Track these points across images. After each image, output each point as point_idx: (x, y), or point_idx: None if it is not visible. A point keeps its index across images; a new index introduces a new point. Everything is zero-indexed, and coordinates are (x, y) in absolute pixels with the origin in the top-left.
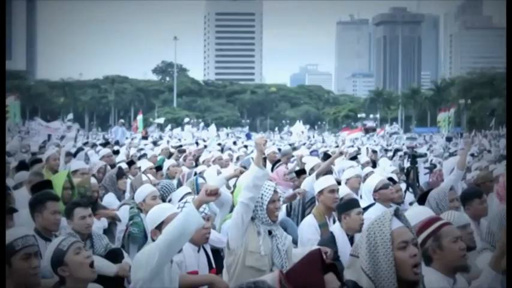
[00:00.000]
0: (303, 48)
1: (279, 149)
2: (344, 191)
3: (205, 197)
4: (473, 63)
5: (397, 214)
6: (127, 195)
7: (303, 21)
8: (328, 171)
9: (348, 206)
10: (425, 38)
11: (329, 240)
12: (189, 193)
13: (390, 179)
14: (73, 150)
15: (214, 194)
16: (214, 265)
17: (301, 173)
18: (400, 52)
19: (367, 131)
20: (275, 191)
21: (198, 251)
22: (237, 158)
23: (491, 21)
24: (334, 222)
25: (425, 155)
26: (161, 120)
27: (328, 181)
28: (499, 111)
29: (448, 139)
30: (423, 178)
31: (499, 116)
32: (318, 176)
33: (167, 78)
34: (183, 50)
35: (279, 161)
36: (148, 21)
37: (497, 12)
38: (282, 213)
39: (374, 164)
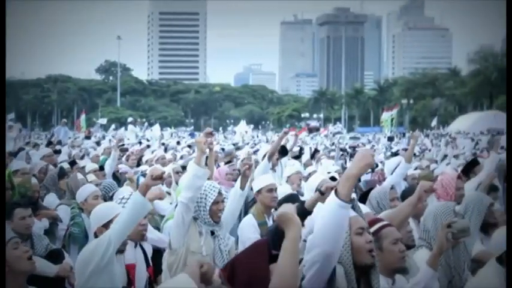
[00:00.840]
0: (247, 47)
1: (222, 149)
2: (285, 189)
3: (151, 181)
4: (415, 63)
5: (352, 205)
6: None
7: (247, 21)
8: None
9: (288, 201)
10: (368, 38)
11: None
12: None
13: (332, 178)
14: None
15: (159, 178)
16: (151, 263)
17: None
18: (344, 52)
19: (310, 130)
20: (219, 193)
21: (135, 247)
22: (181, 157)
23: (433, 22)
24: (273, 221)
25: None
26: (104, 121)
27: (266, 180)
28: (441, 111)
29: (390, 139)
30: (365, 177)
31: (441, 115)
32: (269, 158)
33: (110, 78)
34: (126, 49)
35: (230, 162)
36: (92, 21)
37: (439, 13)
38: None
39: (313, 155)
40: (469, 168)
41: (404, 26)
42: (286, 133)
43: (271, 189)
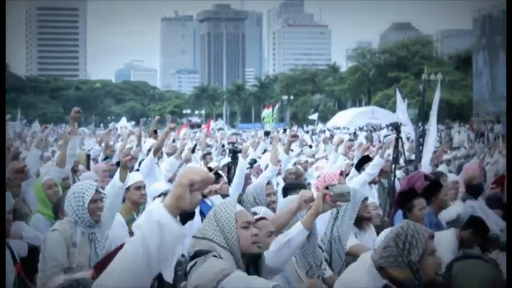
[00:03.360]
0: (127, 44)
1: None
2: (160, 186)
3: (13, 174)
4: (295, 59)
5: (239, 201)
6: None
7: (127, 18)
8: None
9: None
10: (249, 35)
11: None
12: None
13: (215, 173)
14: None
15: (20, 171)
16: (18, 260)
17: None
18: (225, 48)
19: (192, 127)
20: (97, 191)
21: None
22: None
23: (313, 19)
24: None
25: None
26: None
27: (134, 178)
28: (321, 107)
29: (266, 133)
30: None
31: (321, 111)
32: (155, 154)
33: None
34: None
35: (107, 157)
36: None
37: (318, 10)
38: None
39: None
40: (361, 165)
41: (284, 22)
42: (172, 129)
43: (139, 187)
